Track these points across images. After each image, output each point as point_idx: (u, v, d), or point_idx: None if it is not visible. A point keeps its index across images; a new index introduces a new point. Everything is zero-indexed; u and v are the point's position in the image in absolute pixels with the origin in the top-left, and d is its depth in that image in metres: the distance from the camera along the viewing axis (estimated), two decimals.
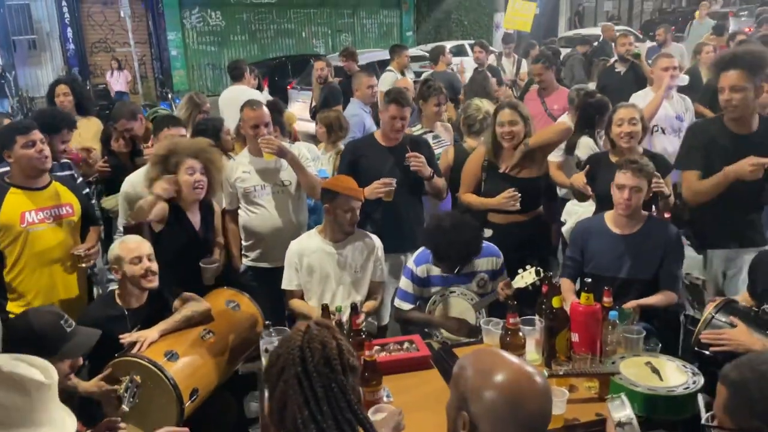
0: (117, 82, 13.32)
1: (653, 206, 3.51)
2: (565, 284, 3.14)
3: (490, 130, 3.69)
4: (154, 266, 2.82)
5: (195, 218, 3.35)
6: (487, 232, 3.62)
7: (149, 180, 3.21)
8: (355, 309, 2.70)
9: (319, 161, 4.21)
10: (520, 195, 3.52)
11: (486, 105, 4.31)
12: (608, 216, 3.22)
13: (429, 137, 4.44)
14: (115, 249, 2.82)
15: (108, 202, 4.26)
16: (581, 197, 3.81)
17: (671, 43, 8.46)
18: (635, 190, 3.02)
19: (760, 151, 3.08)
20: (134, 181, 3.57)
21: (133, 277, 2.77)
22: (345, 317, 2.83)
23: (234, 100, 5.46)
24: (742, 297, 2.85)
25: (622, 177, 3.03)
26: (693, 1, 30.74)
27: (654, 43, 9.19)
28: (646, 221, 3.14)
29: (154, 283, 2.81)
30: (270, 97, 6.47)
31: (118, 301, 2.83)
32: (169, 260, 3.07)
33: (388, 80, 6.95)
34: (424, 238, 3.24)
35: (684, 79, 4.58)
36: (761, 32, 8.48)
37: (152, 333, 2.59)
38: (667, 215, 3.59)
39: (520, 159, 3.62)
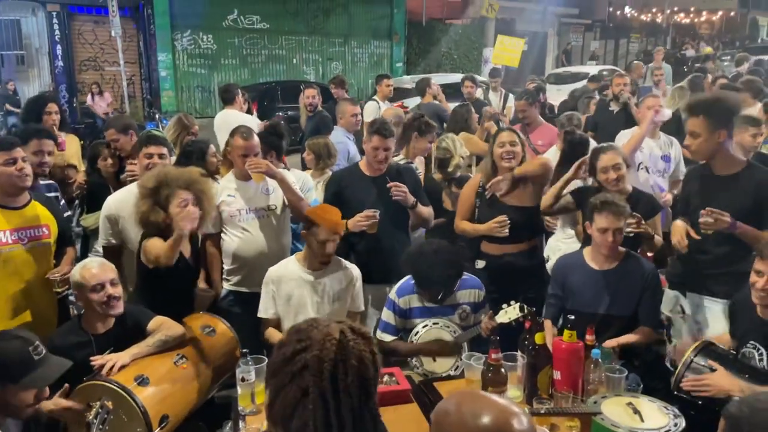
0: (99, 106, 13.34)
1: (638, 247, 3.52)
2: (546, 326, 3.10)
3: (488, 156, 3.76)
4: (117, 291, 2.73)
5: (185, 248, 3.27)
6: (480, 264, 3.64)
7: (140, 213, 3.08)
8: None
9: (311, 192, 4.17)
10: (509, 222, 3.54)
11: (459, 148, 4.42)
12: (587, 252, 3.23)
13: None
14: (75, 275, 2.72)
15: (87, 220, 4.20)
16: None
17: (666, 86, 8.57)
18: (618, 232, 3.04)
19: (734, 190, 3.09)
20: (115, 201, 3.52)
21: (96, 304, 2.68)
22: None
23: (226, 124, 5.44)
24: (719, 338, 2.85)
25: (604, 220, 3.04)
26: (677, 44, 31.72)
27: (647, 84, 9.26)
28: (624, 257, 3.15)
29: (117, 309, 2.72)
30: (259, 121, 6.47)
31: (84, 326, 2.74)
32: (165, 291, 3.03)
33: (371, 110, 7.02)
34: (406, 262, 3.21)
35: (666, 114, 4.64)
36: (738, 71, 8.71)
37: (123, 356, 2.52)
38: (649, 254, 3.60)
39: (510, 186, 3.67)
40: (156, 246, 2.98)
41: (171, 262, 2.95)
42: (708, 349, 2.60)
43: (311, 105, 6.74)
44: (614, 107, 6.24)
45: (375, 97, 7.41)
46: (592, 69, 16.82)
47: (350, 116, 5.49)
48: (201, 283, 3.55)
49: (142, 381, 2.46)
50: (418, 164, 4.70)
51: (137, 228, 3.20)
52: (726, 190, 3.12)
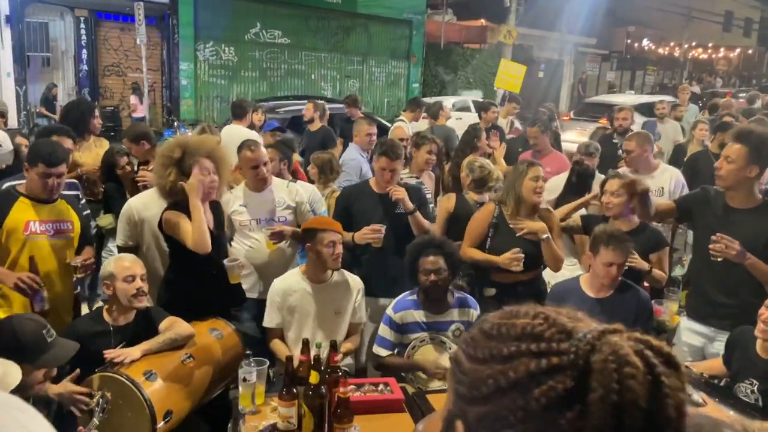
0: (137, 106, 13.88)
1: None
2: None
3: (515, 186, 3.67)
4: (146, 286, 2.91)
5: (207, 217, 3.30)
6: (490, 291, 3.70)
7: (168, 182, 3.11)
8: (334, 346, 2.77)
9: (320, 203, 4.31)
10: (524, 256, 3.56)
11: (490, 165, 4.47)
12: (584, 279, 3.33)
13: (413, 182, 4.65)
14: (110, 265, 2.91)
15: (103, 220, 4.38)
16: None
17: (670, 120, 8.52)
18: (622, 266, 3.16)
19: (749, 226, 3.12)
20: (137, 203, 3.66)
21: (124, 295, 2.84)
22: (324, 354, 2.89)
23: (231, 140, 5.61)
24: (708, 366, 2.93)
25: (611, 255, 3.11)
26: (693, 77, 31.78)
27: (652, 119, 9.15)
28: (619, 286, 3.25)
29: (143, 302, 2.89)
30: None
31: (105, 317, 2.90)
32: (188, 263, 3.13)
33: (397, 130, 7.20)
34: (409, 247, 3.35)
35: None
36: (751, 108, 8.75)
37: (135, 351, 2.65)
38: (646, 285, 3.70)
39: (530, 218, 3.70)
40: (189, 232, 3.05)
41: (207, 247, 3.03)
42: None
43: (306, 118, 7.08)
44: (618, 140, 6.37)
45: (402, 117, 7.59)
46: (644, 98, 16.28)
47: (365, 135, 5.62)
48: None
49: (150, 376, 2.59)
50: (426, 179, 4.84)
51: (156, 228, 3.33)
52: (740, 223, 3.15)
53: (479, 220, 3.81)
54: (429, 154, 4.74)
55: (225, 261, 3.28)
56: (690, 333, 3.44)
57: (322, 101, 7.84)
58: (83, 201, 4.02)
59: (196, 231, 3.02)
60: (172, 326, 2.88)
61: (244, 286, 3.73)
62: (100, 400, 2.46)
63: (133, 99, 14.31)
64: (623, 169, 4.75)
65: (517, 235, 3.66)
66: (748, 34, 37.21)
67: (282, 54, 17.60)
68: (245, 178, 3.85)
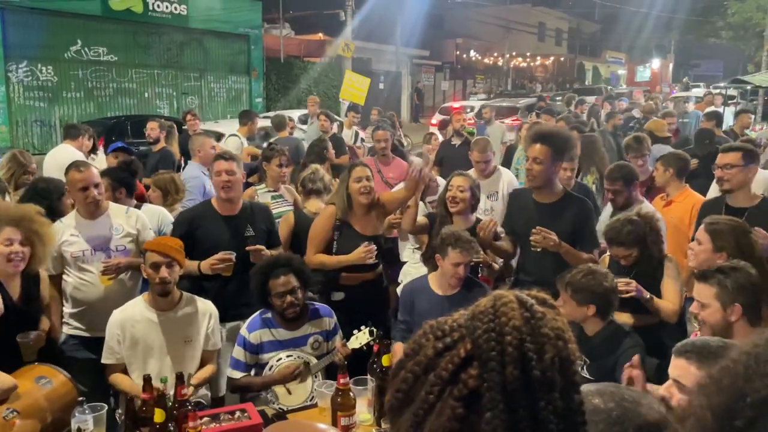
0: None
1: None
2: (396, 348, 3.20)
3: (342, 189, 3.71)
4: None
5: (14, 290, 3.01)
6: (338, 296, 3.66)
7: None
8: (180, 379, 2.57)
9: (170, 227, 4.02)
10: (376, 248, 3.60)
11: (314, 167, 4.52)
12: (432, 277, 3.43)
13: (271, 197, 4.54)
14: None
15: None
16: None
17: (495, 122, 9.65)
18: (468, 264, 3.29)
19: (556, 218, 3.46)
20: None
21: None
22: (170, 389, 2.68)
23: (60, 160, 5.13)
24: None
25: (458, 256, 3.24)
26: (517, 85, 34.67)
27: (481, 121, 10.27)
28: (466, 282, 3.39)
29: None
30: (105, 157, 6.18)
31: None
32: None
33: (232, 145, 6.91)
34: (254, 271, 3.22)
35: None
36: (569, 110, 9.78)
37: None
38: (487, 280, 3.89)
39: (369, 215, 3.74)
40: None
41: None
42: None
43: (150, 137, 6.68)
44: (456, 141, 6.72)
45: (236, 132, 7.32)
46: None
47: (210, 148, 5.27)
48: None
49: None
50: (285, 192, 4.73)
51: None
52: (548, 216, 3.47)
53: (322, 225, 3.74)
54: (278, 167, 4.63)
55: (17, 337, 2.91)
56: None
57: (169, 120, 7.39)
58: None
59: None
60: None
61: (76, 323, 3.45)
62: None
63: None
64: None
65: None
66: (560, 43, 41.36)
67: (109, 72, 16.44)
68: (76, 203, 3.52)
